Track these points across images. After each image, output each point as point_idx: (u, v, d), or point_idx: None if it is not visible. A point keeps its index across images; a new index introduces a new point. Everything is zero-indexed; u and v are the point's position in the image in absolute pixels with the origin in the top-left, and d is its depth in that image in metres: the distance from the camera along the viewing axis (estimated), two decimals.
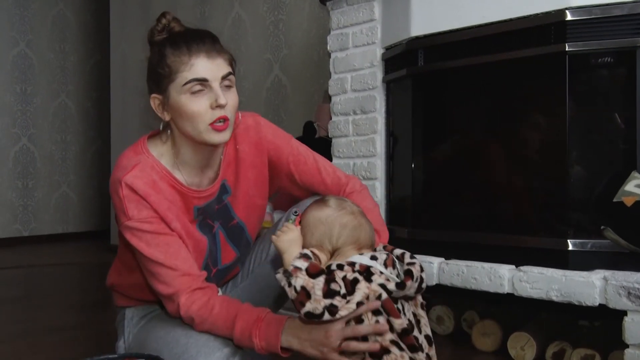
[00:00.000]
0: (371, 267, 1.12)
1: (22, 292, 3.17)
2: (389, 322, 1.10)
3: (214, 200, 1.42)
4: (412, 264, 1.16)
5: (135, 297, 1.50)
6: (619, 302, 1.48)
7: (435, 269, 1.86)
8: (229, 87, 1.31)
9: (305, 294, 1.08)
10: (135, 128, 4.45)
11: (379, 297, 1.09)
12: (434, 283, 1.86)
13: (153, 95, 1.33)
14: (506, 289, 1.69)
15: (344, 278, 1.10)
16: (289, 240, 1.21)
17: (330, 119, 2.34)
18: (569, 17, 1.64)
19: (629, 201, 1.47)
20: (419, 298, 1.19)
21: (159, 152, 1.36)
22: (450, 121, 2.04)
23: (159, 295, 1.33)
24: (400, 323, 1.10)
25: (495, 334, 1.82)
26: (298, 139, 1.53)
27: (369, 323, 1.10)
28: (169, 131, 1.37)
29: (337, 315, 1.08)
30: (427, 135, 2.04)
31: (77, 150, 5.59)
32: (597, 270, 1.59)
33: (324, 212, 1.22)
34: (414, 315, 1.16)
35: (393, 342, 1.10)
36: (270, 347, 1.20)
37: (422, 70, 1.99)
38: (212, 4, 3.91)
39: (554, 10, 1.66)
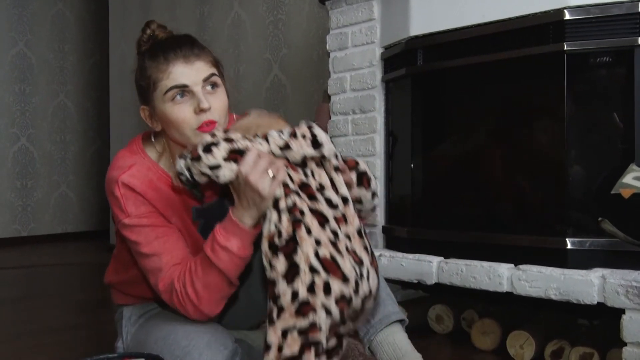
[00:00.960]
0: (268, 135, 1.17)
1: (21, 292, 3.17)
2: (290, 176, 1.16)
3: (215, 204, 1.42)
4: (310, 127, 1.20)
5: (132, 294, 1.50)
6: (617, 300, 1.48)
7: (434, 268, 1.86)
8: (214, 88, 1.30)
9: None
10: (134, 128, 4.46)
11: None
12: (433, 282, 1.86)
13: (142, 107, 1.34)
14: (505, 287, 1.70)
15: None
16: None
17: (330, 118, 2.35)
18: (567, 16, 1.64)
19: (626, 193, 1.47)
20: (334, 161, 1.20)
21: (155, 154, 1.38)
22: (449, 120, 2.05)
23: (157, 289, 1.31)
24: (298, 177, 1.16)
25: (495, 332, 1.82)
26: None
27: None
28: (163, 140, 1.38)
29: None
30: (427, 135, 2.04)
31: (76, 150, 5.58)
32: (595, 269, 1.60)
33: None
34: (330, 178, 1.18)
35: (294, 191, 1.14)
36: (240, 234, 1.19)
37: (421, 70, 2.00)
38: (211, 4, 3.92)
39: (552, 10, 1.67)
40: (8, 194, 5.17)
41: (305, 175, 1.18)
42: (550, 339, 1.71)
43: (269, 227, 1.12)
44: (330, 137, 2.31)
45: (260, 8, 3.61)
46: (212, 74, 1.30)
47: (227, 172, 1.14)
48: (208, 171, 1.14)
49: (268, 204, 1.14)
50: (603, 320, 1.83)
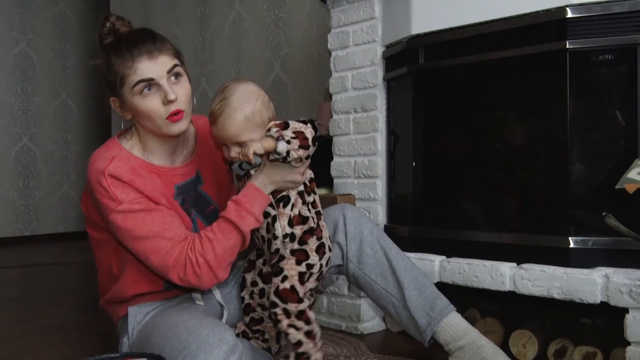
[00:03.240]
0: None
1: (23, 291, 3.17)
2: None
3: (192, 181, 1.52)
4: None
5: (133, 295, 1.51)
6: (620, 299, 1.48)
7: (436, 267, 1.86)
8: (178, 78, 1.41)
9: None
10: None
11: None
12: (435, 281, 1.86)
13: (112, 98, 1.44)
14: (507, 286, 1.69)
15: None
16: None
17: (331, 117, 2.34)
18: (569, 14, 1.64)
19: (631, 188, 1.47)
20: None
21: (130, 145, 1.46)
22: (451, 119, 2.04)
23: (163, 267, 1.37)
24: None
25: (497, 331, 1.82)
26: None
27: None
28: (132, 128, 1.48)
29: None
30: (428, 133, 2.04)
31: (78, 150, 5.59)
32: (598, 268, 1.59)
33: (252, 86, 1.43)
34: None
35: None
36: (263, 202, 1.39)
37: (423, 68, 1.99)
38: (212, 3, 3.91)
39: (554, 8, 1.66)
40: (10, 194, 5.17)
41: None
42: (553, 338, 1.71)
43: (291, 210, 1.43)
44: (332, 136, 2.31)
45: (261, 7, 3.60)
46: (175, 65, 1.41)
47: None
48: (301, 156, 1.36)
49: (287, 189, 1.42)
50: (606, 320, 1.83)
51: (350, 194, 2.18)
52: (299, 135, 1.36)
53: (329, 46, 2.34)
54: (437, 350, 1.61)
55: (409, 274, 1.58)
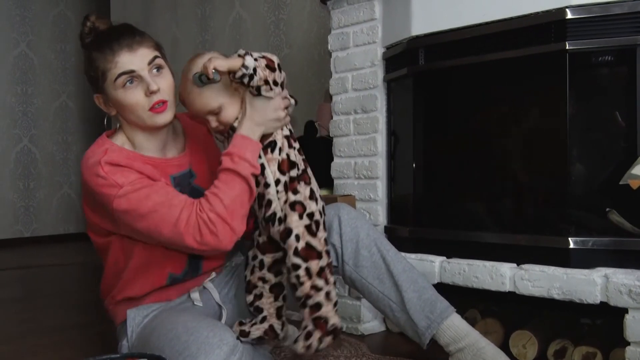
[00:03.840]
0: None
1: (23, 292, 3.18)
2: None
3: (186, 174, 1.52)
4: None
5: (138, 294, 1.51)
6: (620, 299, 1.48)
7: (436, 267, 1.86)
8: (160, 70, 1.42)
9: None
10: None
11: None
12: (436, 282, 1.86)
13: (96, 95, 1.46)
14: (507, 287, 1.70)
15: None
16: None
17: (331, 118, 2.35)
18: (569, 15, 1.64)
19: (635, 184, 1.47)
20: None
21: (120, 142, 1.47)
22: (451, 120, 2.04)
23: (177, 235, 1.35)
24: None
25: (497, 332, 1.82)
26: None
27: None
28: (118, 125, 1.49)
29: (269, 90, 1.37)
30: (428, 134, 2.04)
31: (78, 151, 5.59)
32: (598, 268, 1.59)
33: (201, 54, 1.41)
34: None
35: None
36: (254, 148, 1.37)
37: (423, 69, 2.00)
38: (212, 4, 3.92)
39: (554, 9, 1.67)
40: (10, 195, 5.17)
41: None
42: (553, 339, 1.71)
43: (279, 154, 1.41)
44: (333, 137, 2.32)
45: (261, 8, 3.61)
46: (155, 57, 1.41)
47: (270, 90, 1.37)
48: (267, 77, 1.34)
49: (275, 130, 1.41)
50: (606, 320, 1.83)
51: (351, 195, 2.18)
52: (265, 57, 1.35)
53: (329, 47, 2.34)
54: (436, 352, 1.61)
55: (407, 276, 1.57)
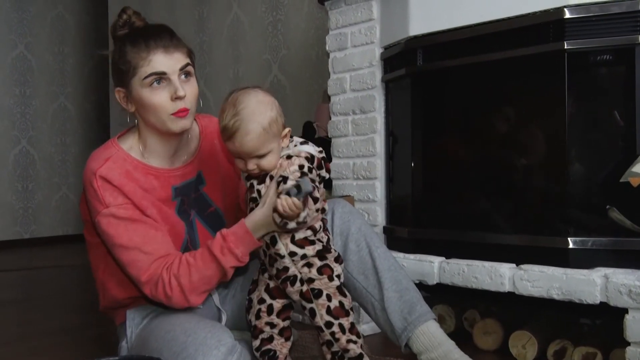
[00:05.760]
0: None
1: (22, 294, 3.17)
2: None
3: (191, 182, 1.50)
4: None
5: (126, 298, 1.51)
6: (619, 299, 1.48)
7: (436, 268, 1.86)
8: (188, 77, 1.40)
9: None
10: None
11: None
12: (435, 282, 1.86)
13: (117, 88, 1.43)
14: (507, 287, 1.69)
15: None
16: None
17: (330, 119, 2.34)
18: (567, 15, 1.64)
19: (635, 182, 1.47)
20: None
21: (129, 145, 1.45)
22: (449, 120, 2.04)
23: (137, 281, 1.37)
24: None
25: (497, 332, 1.82)
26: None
27: None
28: (135, 121, 1.46)
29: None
30: (427, 135, 2.04)
31: (76, 153, 5.59)
32: (597, 268, 1.59)
33: (261, 95, 1.37)
34: None
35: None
36: (250, 245, 1.35)
37: (421, 70, 1.99)
38: (210, 5, 3.91)
39: (552, 9, 1.66)
40: (9, 197, 5.17)
41: None
42: (553, 339, 1.71)
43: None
44: (331, 138, 2.32)
45: (259, 9, 3.60)
46: (188, 64, 1.40)
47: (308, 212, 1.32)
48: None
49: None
50: (606, 320, 1.83)
51: (350, 196, 2.18)
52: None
53: (327, 48, 2.34)
54: None
55: (391, 275, 1.53)
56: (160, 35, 1.38)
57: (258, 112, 1.33)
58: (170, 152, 1.48)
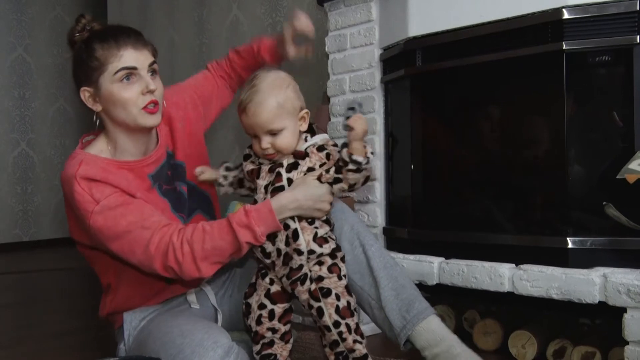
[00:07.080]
0: None
1: (21, 297, 3.17)
2: None
3: (163, 166, 1.51)
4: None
5: (131, 302, 1.51)
6: (618, 299, 1.48)
7: (435, 268, 1.86)
8: (154, 75, 1.43)
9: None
10: None
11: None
12: (435, 283, 1.86)
13: (83, 88, 1.42)
14: (506, 287, 1.70)
15: None
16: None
17: (329, 120, 2.35)
18: (565, 15, 1.64)
19: (631, 178, 1.47)
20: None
21: (97, 150, 1.45)
22: (448, 121, 2.04)
23: (146, 258, 1.34)
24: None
25: (496, 332, 1.82)
26: None
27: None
28: (98, 122, 1.47)
29: None
30: (426, 135, 2.04)
31: None
32: (596, 268, 1.59)
33: (282, 73, 1.43)
34: None
35: None
36: (271, 226, 1.33)
37: (420, 70, 2.00)
38: (209, 7, 3.92)
39: (550, 9, 1.67)
40: (8, 199, 5.16)
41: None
42: (552, 339, 1.71)
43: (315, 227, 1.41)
44: (331, 139, 2.31)
45: (258, 10, 3.61)
46: (154, 62, 1.43)
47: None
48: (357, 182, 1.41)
49: (311, 217, 1.38)
50: (605, 319, 1.83)
51: (349, 196, 2.18)
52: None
53: (326, 49, 2.34)
54: None
55: (387, 273, 1.53)
56: (128, 32, 1.41)
57: (274, 86, 1.36)
58: (142, 149, 1.48)
